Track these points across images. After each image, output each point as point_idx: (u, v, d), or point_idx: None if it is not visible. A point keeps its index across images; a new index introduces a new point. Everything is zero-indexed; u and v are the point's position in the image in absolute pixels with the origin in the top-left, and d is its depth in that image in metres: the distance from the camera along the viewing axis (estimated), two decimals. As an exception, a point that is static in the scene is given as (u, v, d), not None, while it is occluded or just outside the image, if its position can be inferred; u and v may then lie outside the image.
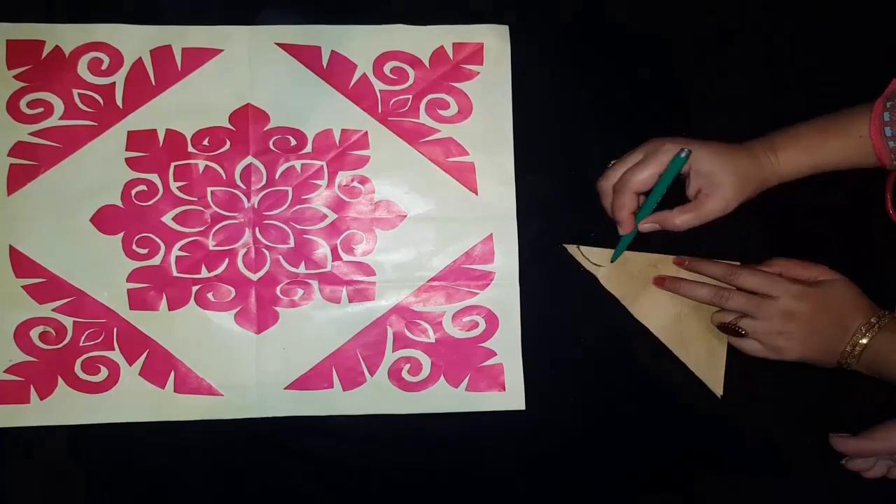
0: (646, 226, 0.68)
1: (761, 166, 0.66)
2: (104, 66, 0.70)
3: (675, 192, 0.67)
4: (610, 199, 0.68)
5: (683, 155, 0.64)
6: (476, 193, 0.71)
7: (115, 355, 0.68)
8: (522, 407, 0.70)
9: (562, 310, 0.71)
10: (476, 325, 0.70)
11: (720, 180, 0.65)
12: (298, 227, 0.70)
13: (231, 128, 0.70)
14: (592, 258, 0.70)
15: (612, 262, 0.70)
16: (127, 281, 0.69)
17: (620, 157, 0.68)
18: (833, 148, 0.65)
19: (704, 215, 0.66)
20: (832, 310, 0.65)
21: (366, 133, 0.71)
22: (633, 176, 0.66)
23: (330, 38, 0.71)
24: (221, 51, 0.70)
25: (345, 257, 0.70)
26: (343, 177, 0.71)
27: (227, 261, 0.69)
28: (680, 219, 0.66)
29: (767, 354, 0.67)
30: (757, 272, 0.67)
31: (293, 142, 0.70)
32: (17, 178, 0.69)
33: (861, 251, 0.71)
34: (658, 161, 0.65)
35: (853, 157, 0.65)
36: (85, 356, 0.68)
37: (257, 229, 0.70)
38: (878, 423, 0.66)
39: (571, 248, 0.70)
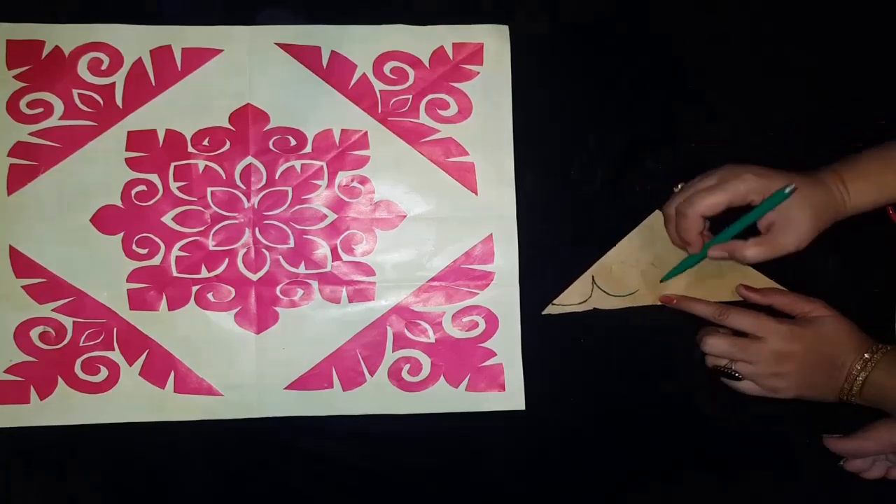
0: (715, 253, 0.66)
1: (834, 199, 0.63)
2: (104, 66, 0.70)
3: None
4: (674, 222, 0.66)
5: (788, 191, 0.62)
6: (476, 193, 0.71)
7: (115, 355, 0.68)
8: (522, 407, 0.70)
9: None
10: (476, 325, 0.70)
11: (796, 214, 0.62)
12: (298, 227, 0.70)
13: (231, 128, 0.70)
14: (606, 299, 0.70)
15: (663, 281, 0.70)
16: (127, 281, 0.69)
17: (687, 181, 0.66)
18: None
19: (778, 250, 0.63)
20: (824, 348, 0.65)
21: (366, 133, 0.71)
22: (704, 199, 0.63)
23: (330, 38, 0.71)
24: (221, 51, 0.70)
25: (345, 257, 0.70)
26: (343, 177, 0.71)
27: (227, 261, 0.69)
28: (752, 251, 0.64)
29: (764, 394, 0.66)
30: (746, 312, 0.66)
31: (293, 142, 0.70)
32: (17, 178, 0.69)
33: (861, 252, 0.71)
34: (733, 189, 0.63)
35: None
36: (85, 356, 0.68)
37: (257, 229, 0.70)
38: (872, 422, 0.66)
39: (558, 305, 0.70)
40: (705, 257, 0.67)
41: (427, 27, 0.71)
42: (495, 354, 0.70)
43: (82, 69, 0.70)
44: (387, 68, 0.71)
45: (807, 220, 0.63)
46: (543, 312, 0.70)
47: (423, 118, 0.71)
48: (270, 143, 0.70)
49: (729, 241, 0.65)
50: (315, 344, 0.69)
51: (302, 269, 0.70)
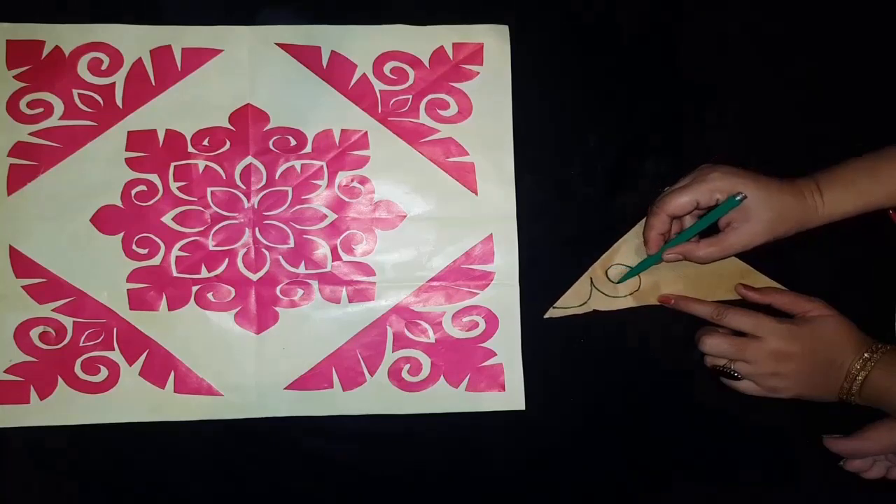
0: (670, 255, 0.67)
1: (804, 207, 0.64)
2: (104, 66, 0.70)
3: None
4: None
5: (738, 199, 0.63)
6: (476, 193, 0.71)
7: (115, 355, 0.68)
8: (522, 407, 0.70)
9: (562, 310, 0.71)
10: (476, 325, 0.70)
11: (755, 216, 0.63)
12: (298, 227, 0.70)
13: (231, 128, 0.70)
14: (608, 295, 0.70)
15: (619, 282, 0.70)
16: (127, 281, 0.69)
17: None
18: (883, 192, 0.63)
19: (728, 249, 0.65)
20: (823, 348, 0.65)
21: (366, 133, 0.71)
22: (671, 199, 0.65)
23: (330, 38, 0.71)
24: (221, 51, 0.70)
25: (345, 257, 0.70)
26: (343, 177, 0.71)
27: (227, 261, 0.69)
28: (703, 251, 0.65)
29: (764, 394, 0.66)
30: (744, 312, 0.66)
31: (293, 142, 0.70)
32: (17, 178, 0.69)
33: (861, 252, 0.71)
34: (700, 190, 0.64)
35: None
36: (85, 356, 0.68)
37: (257, 229, 0.70)
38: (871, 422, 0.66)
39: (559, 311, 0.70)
40: (661, 260, 0.68)
41: (427, 27, 0.71)
42: (495, 354, 0.70)
43: (82, 69, 0.70)
44: (387, 68, 0.71)
45: (762, 223, 0.64)
46: (545, 316, 0.70)
47: (423, 118, 0.71)
48: (270, 143, 0.70)
49: (683, 243, 0.66)
50: (315, 344, 0.69)
51: (302, 269, 0.70)
